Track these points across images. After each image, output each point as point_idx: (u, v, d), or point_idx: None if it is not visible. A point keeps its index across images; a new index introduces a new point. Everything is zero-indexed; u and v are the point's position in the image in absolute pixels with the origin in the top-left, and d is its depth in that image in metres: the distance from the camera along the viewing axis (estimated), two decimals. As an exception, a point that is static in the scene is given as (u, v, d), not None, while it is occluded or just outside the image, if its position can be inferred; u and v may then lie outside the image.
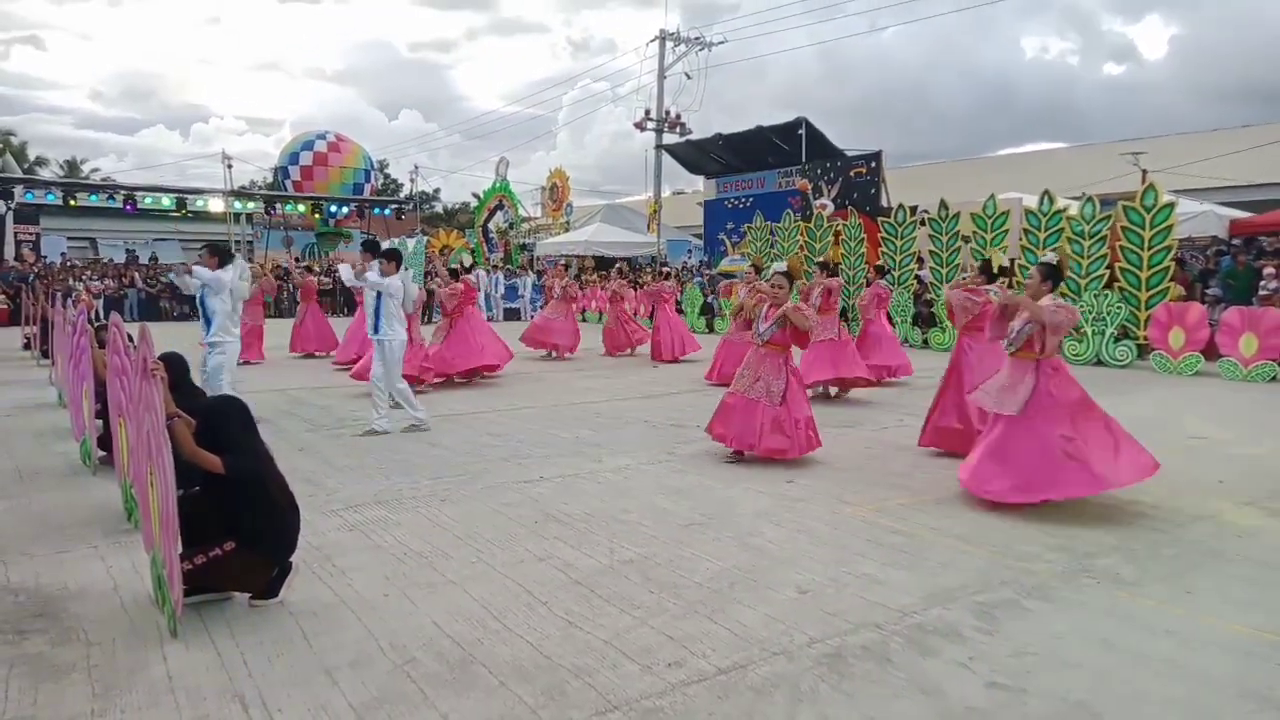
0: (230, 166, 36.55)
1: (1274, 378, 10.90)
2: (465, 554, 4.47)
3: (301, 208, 33.44)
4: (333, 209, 33.26)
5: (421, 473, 6.25)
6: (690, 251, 32.38)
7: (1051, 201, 13.96)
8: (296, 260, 35.52)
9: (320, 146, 34.33)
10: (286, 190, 34.11)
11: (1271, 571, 4.24)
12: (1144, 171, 20.91)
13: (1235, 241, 15.76)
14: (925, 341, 15.80)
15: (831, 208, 19.11)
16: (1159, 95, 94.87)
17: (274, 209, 33.23)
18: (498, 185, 32.33)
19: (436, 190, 59.79)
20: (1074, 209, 13.92)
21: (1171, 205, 12.73)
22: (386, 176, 54.50)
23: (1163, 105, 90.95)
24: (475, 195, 34.97)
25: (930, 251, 16.09)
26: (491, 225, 32.34)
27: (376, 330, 7.66)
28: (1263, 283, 12.87)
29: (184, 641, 3.41)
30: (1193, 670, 3.19)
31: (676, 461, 6.66)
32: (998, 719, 2.86)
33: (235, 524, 3.71)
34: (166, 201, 30.99)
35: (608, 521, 5.05)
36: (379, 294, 7.60)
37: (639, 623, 3.61)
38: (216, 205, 33.65)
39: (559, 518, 5.12)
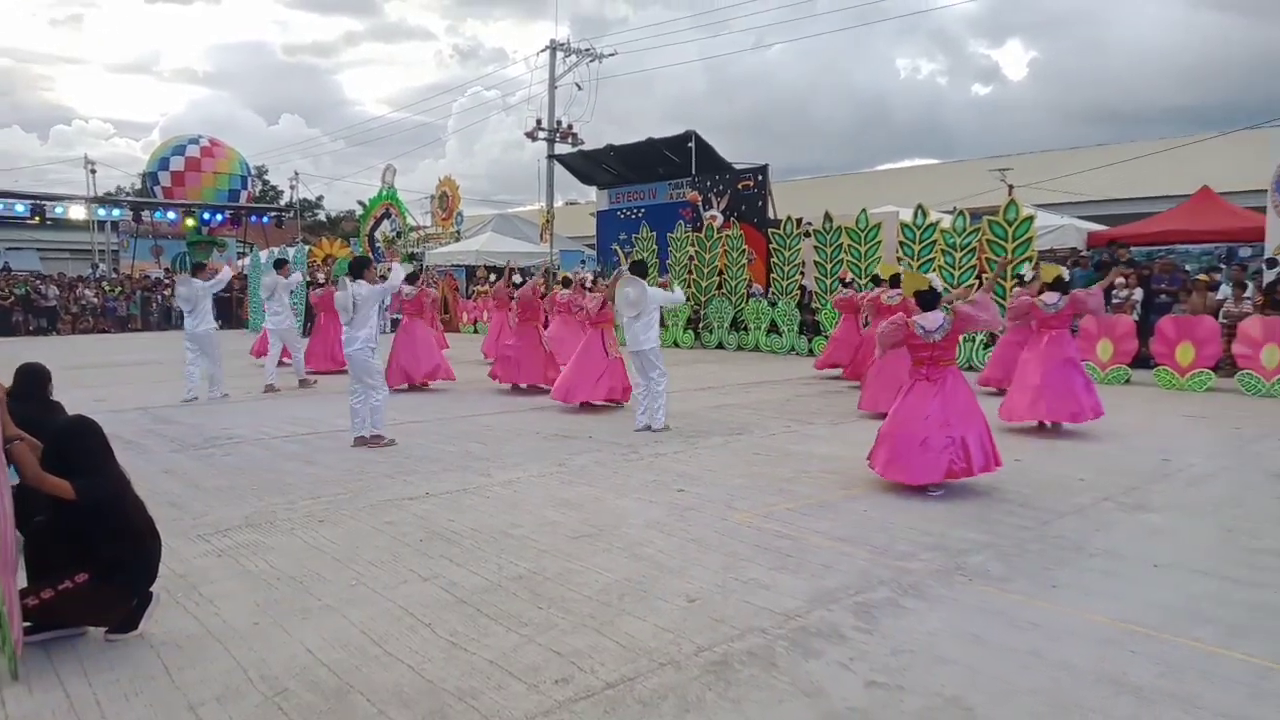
0: (94, 171, 34.45)
1: (1128, 380, 11.69)
2: (344, 577, 4.29)
3: (172, 215, 31.74)
4: (206, 216, 31.69)
5: (298, 492, 5.99)
6: (584, 262, 32.34)
7: (925, 215, 14.60)
8: (168, 271, 33.65)
9: (193, 151, 32.63)
10: (156, 197, 32.30)
11: (1126, 564, 4.52)
12: (1010, 187, 22.15)
13: (1084, 253, 16.88)
14: (811, 350, 16.24)
15: (721, 219, 19.45)
16: (1022, 115, 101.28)
17: (142, 216, 31.44)
18: (384, 193, 31.46)
19: (319, 198, 57.91)
20: (946, 222, 14.60)
21: (1031, 218, 13.51)
22: (265, 183, 52.38)
23: (1025, 124, 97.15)
24: (360, 203, 33.98)
25: (815, 262, 16.59)
26: (378, 234, 31.47)
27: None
28: (1115, 291, 13.79)
29: (27, 684, 3.14)
30: (1055, 660, 3.36)
31: (567, 473, 6.61)
32: (878, 717, 2.93)
33: (88, 553, 3.45)
34: (20, 208, 28.85)
35: (496, 537, 4.95)
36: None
37: (526, 640, 3.54)
38: (78, 212, 31.63)
39: (445, 535, 4.98)
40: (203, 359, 10.54)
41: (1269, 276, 12.71)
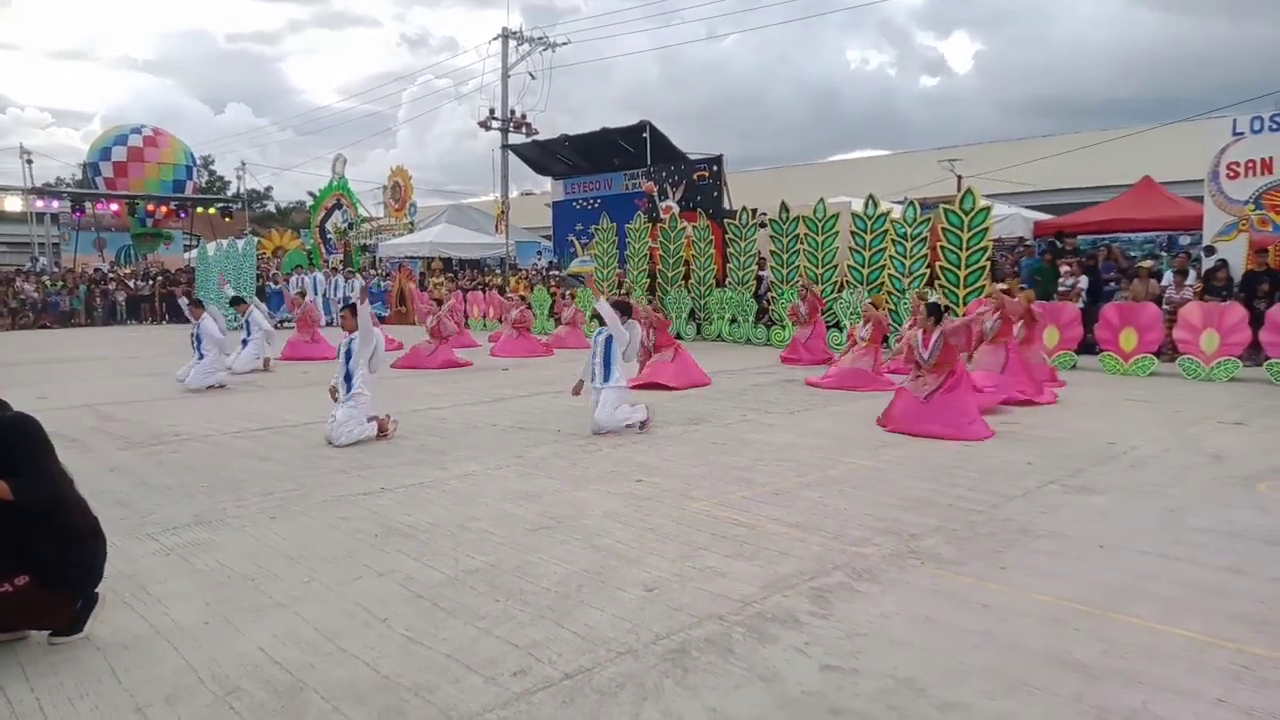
0: (30, 162, 33.39)
1: (1074, 366, 11.99)
2: (296, 574, 4.22)
3: (115, 207, 30.89)
4: (150, 208, 30.88)
5: (249, 489, 5.88)
6: (540, 253, 32.20)
7: (876, 205, 14.78)
8: (112, 264, 32.84)
9: (135, 141, 31.77)
10: (98, 188, 31.39)
11: (1071, 544, 4.63)
12: (959, 177, 22.55)
13: (1028, 242, 17.23)
14: (768, 340, 16.37)
15: (677, 209, 19.48)
16: (968, 106, 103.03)
17: (83, 208, 30.55)
18: (335, 183, 30.96)
19: (268, 188, 56.88)
20: (897, 212, 14.79)
21: (988, 208, 13.74)
22: (211, 173, 51.26)
23: (972, 116, 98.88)
24: (311, 194, 33.39)
25: (771, 252, 16.69)
26: (329, 225, 30.97)
27: (608, 379, 7.93)
28: (1061, 279, 14.12)
29: (-35, 691, 3.05)
30: (1005, 640, 3.43)
31: (525, 465, 6.58)
32: (832, 700, 2.97)
33: (29, 555, 3.35)
34: (-48, 200, 27.90)
35: (453, 531, 4.91)
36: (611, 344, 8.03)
37: (483, 633, 3.52)
38: (14, 204, 30.67)
39: (401, 530, 4.94)
40: None
41: (1207, 264, 13.10)
